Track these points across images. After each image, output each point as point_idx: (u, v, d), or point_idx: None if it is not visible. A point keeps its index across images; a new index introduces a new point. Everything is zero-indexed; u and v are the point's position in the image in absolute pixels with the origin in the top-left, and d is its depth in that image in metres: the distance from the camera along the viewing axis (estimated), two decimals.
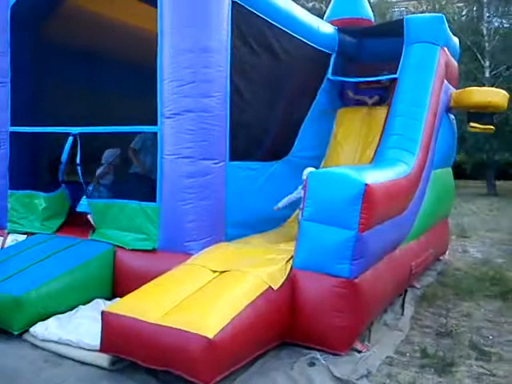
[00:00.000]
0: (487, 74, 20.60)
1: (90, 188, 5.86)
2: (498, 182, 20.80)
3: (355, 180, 4.21)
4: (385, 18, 24.15)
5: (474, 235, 10.22)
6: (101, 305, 4.80)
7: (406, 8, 29.08)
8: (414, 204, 5.64)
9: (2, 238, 6.03)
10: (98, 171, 6.12)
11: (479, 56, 20.61)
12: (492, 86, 17.24)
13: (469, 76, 19.04)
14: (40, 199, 5.96)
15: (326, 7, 8.91)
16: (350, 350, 4.18)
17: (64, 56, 6.26)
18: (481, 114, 7.42)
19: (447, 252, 8.07)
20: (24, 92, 6.12)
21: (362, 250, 4.18)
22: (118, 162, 6.25)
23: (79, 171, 5.65)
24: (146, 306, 3.81)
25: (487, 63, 20.74)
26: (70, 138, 5.71)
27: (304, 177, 6.05)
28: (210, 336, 3.38)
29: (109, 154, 6.17)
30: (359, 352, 4.17)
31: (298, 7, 6.53)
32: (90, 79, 6.16)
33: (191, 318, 3.58)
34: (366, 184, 4.14)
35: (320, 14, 8.41)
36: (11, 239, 5.93)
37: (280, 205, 5.80)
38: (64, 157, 5.78)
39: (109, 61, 6.16)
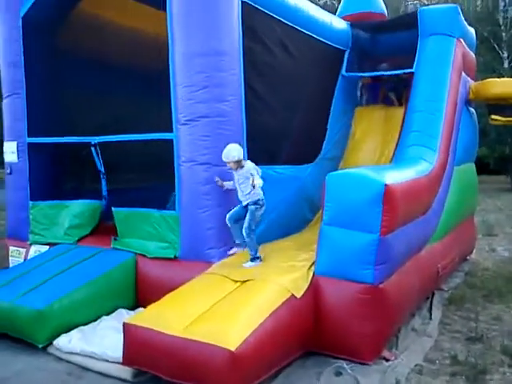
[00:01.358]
0: (506, 65, 20.24)
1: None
2: None
3: (374, 180, 4.08)
4: (398, 13, 23.79)
5: (500, 233, 9.90)
6: (124, 315, 4.78)
7: (420, 1, 28.67)
8: (438, 203, 5.48)
9: (25, 250, 6.04)
10: None
11: (497, 47, 20.25)
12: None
13: (487, 67, 18.66)
14: (68, 208, 5.94)
15: (339, 3, 8.76)
16: (378, 359, 4.05)
17: (78, 65, 6.21)
18: (502, 106, 7.21)
19: (474, 251, 7.85)
20: (40, 102, 6.11)
21: (385, 253, 4.05)
22: None
23: (103, 180, 5.68)
24: (168, 317, 3.76)
25: (505, 54, 20.38)
26: (93, 148, 5.75)
27: None
28: (232, 348, 3.31)
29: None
30: (387, 360, 4.05)
31: (309, 3, 6.39)
32: (105, 88, 6.10)
33: (213, 330, 3.51)
34: (386, 184, 4.02)
35: (333, 11, 8.25)
36: (34, 250, 5.95)
37: (220, 182, 4.83)
38: (100, 167, 5.86)
39: (123, 69, 6.12)
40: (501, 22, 20.53)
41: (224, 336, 3.41)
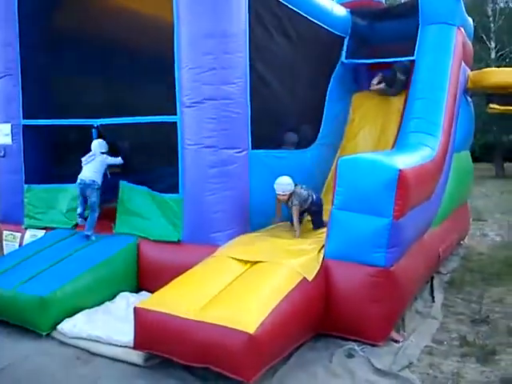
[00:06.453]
0: (493, 56, 20.39)
1: None
2: (506, 164, 20.65)
3: (388, 166, 4.09)
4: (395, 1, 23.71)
5: (489, 218, 10.09)
6: (127, 298, 4.74)
7: None
8: (440, 188, 5.52)
9: (20, 234, 5.92)
10: None
11: (485, 37, 20.36)
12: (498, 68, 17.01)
13: (475, 58, 18.74)
14: (65, 191, 5.80)
15: None
16: (386, 340, 4.08)
17: (76, 47, 6.01)
18: (501, 95, 7.25)
19: (466, 236, 7.96)
20: (36, 84, 5.96)
21: (396, 237, 4.08)
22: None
23: None
24: (181, 300, 3.72)
25: (493, 44, 20.55)
26: (94, 130, 5.62)
27: None
28: (251, 331, 3.29)
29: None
30: (396, 342, 4.09)
31: None
32: (106, 70, 5.96)
33: (229, 312, 3.49)
34: (400, 170, 4.03)
35: None
36: (30, 235, 5.83)
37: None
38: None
39: (124, 51, 5.96)
40: (489, 13, 20.72)
41: (241, 319, 3.38)
